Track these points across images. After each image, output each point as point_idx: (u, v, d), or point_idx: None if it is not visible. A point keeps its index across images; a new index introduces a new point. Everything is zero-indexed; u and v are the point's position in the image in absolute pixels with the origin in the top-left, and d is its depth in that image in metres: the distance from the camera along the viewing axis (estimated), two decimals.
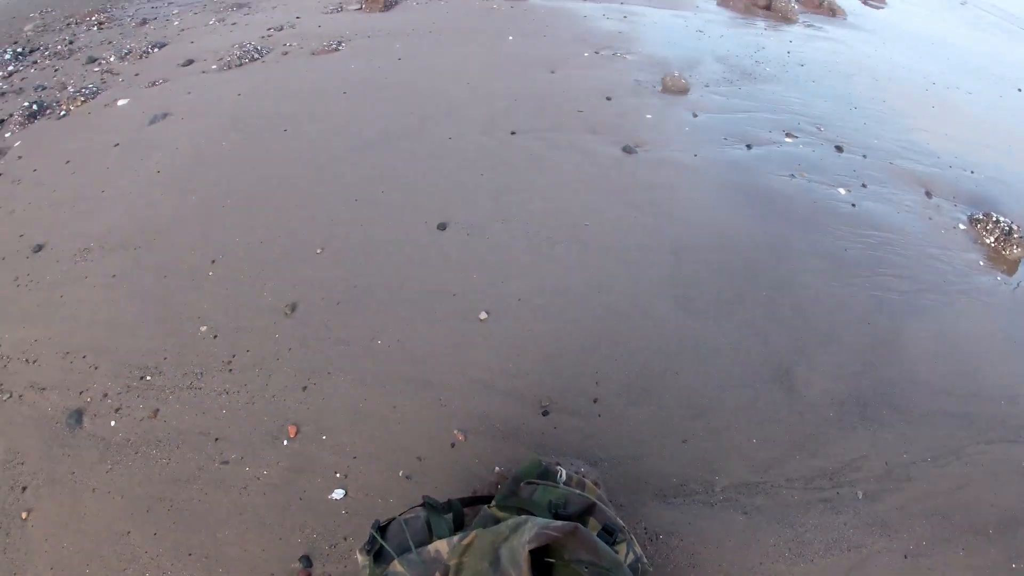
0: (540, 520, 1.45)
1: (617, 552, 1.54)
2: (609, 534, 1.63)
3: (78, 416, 2.70)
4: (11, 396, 2.82)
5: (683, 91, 4.79)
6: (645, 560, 1.73)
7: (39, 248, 3.55)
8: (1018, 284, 3.60)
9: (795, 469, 2.57)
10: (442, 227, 3.42)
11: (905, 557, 2.41)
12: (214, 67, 5.57)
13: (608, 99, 4.64)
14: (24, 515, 2.42)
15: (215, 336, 2.95)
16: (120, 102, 5.05)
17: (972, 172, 4.46)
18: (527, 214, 3.53)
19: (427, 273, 3.21)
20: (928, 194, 4.14)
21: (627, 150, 4.02)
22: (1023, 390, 3.04)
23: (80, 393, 2.78)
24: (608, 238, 3.41)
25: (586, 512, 1.70)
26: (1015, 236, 3.81)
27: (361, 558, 1.72)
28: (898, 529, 2.47)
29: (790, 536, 2.39)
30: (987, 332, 3.27)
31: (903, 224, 3.81)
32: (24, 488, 2.50)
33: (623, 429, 2.60)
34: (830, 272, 3.35)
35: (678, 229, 3.49)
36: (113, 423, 2.66)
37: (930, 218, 3.94)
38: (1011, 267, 3.72)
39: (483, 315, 2.99)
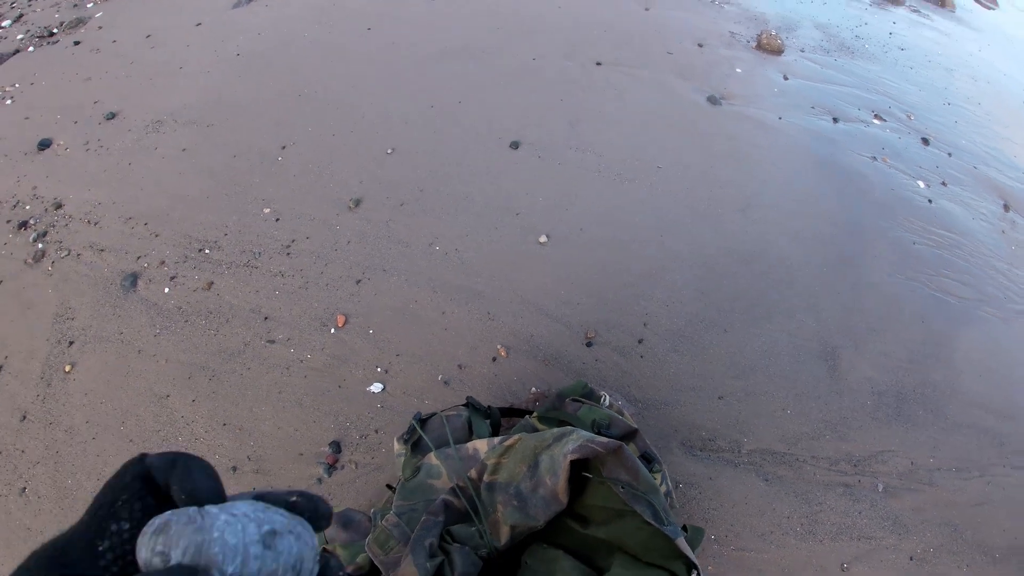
0: (586, 433, 1.44)
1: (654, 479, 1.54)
2: (647, 461, 1.63)
3: (133, 280, 2.77)
4: (69, 254, 2.89)
5: (777, 51, 4.63)
6: (674, 496, 1.74)
7: (112, 116, 3.58)
8: None
9: (823, 448, 2.57)
10: (514, 146, 3.38)
11: (911, 559, 2.42)
12: None
13: (700, 46, 4.49)
14: (68, 368, 2.52)
15: (277, 219, 2.98)
16: None
17: None
18: (602, 146, 3.47)
19: (493, 189, 3.18)
20: (1006, 207, 4.01)
21: (712, 100, 3.90)
22: None
23: (138, 258, 2.85)
24: (679, 183, 3.35)
25: (627, 436, 1.70)
26: None
27: (398, 446, 1.74)
28: (910, 530, 2.48)
29: (805, 512, 2.41)
30: None
31: (975, 231, 3.70)
32: (71, 343, 2.59)
33: (663, 374, 2.60)
34: (895, 262, 3.27)
35: (751, 187, 3.42)
36: (167, 290, 2.73)
37: (1003, 231, 3.82)
38: None
39: (543, 238, 2.97)
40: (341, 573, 0.49)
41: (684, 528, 1.52)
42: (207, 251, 2.86)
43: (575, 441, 1.39)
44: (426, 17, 4.42)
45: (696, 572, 1.30)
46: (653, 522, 1.30)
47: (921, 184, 3.84)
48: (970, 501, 2.63)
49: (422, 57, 3.99)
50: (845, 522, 2.43)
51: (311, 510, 0.51)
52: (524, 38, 4.23)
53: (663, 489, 1.63)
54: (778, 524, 2.36)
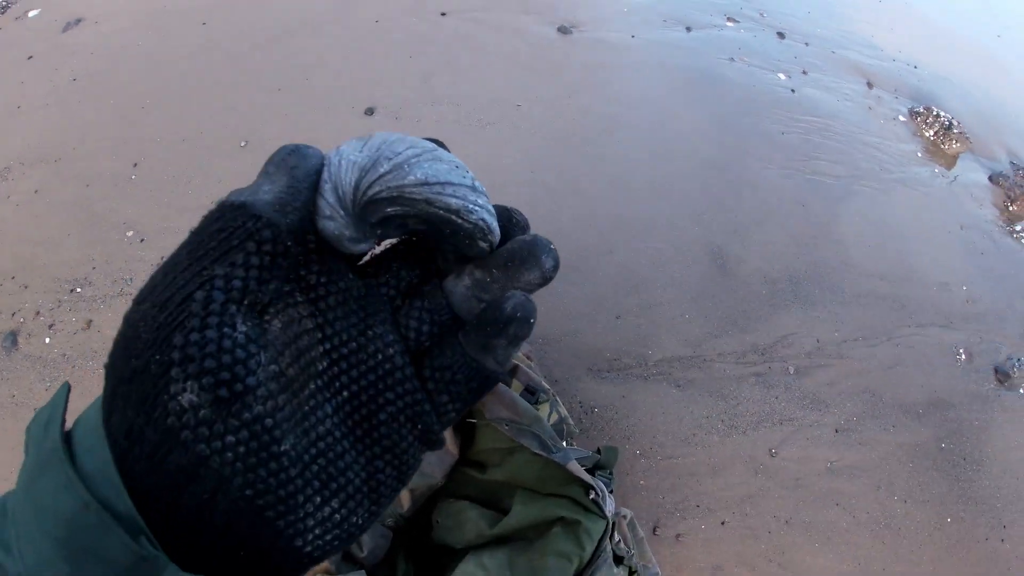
0: None
1: (539, 411, 1.51)
2: (531, 393, 1.60)
3: (12, 338, 2.58)
4: None
5: None
6: (571, 422, 1.70)
7: None
8: (955, 178, 3.62)
9: (727, 344, 2.59)
10: (370, 112, 3.26)
11: (836, 431, 2.47)
12: None
13: None
14: None
15: (142, 240, 2.82)
16: (31, 13, 4.66)
17: (915, 67, 4.43)
18: (458, 96, 3.38)
19: None
20: (869, 85, 4.11)
21: (562, 31, 3.85)
22: (955, 278, 3.10)
23: (12, 315, 2.65)
24: (541, 119, 3.30)
25: (509, 374, 1.65)
26: (954, 131, 3.81)
27: None
28: (829, 404, 2.53)
29: (723, 408, 2.43)
30: (922, 222, 3.31)
31: (842, 112, 3.78)
32: None
33: (558, 307, 2.57)
34: (766, 155, 3.31)
35: (614, 109, 3.39)
36: (48, 340, 2.56)
37: (870, 108, 3.91)
38: (949, 161, 3.73)
39: None
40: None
41: (598, 451, 1.52)
42: (79, 290, 2.69)
43: None
44: None
45: (593, 491, 1.28)
46: (541, 452, 1.29)
47: (782, 76, 3.89)
48: (882, 365, 2.70)
49: (261, 40, 3.81)
50: (763, 410, 2.46)
51: (504, 215, 0.43)
52: (364, 1, 4.09)
53: (553, 417, 1.62)
54: (699, 426, 2.38)
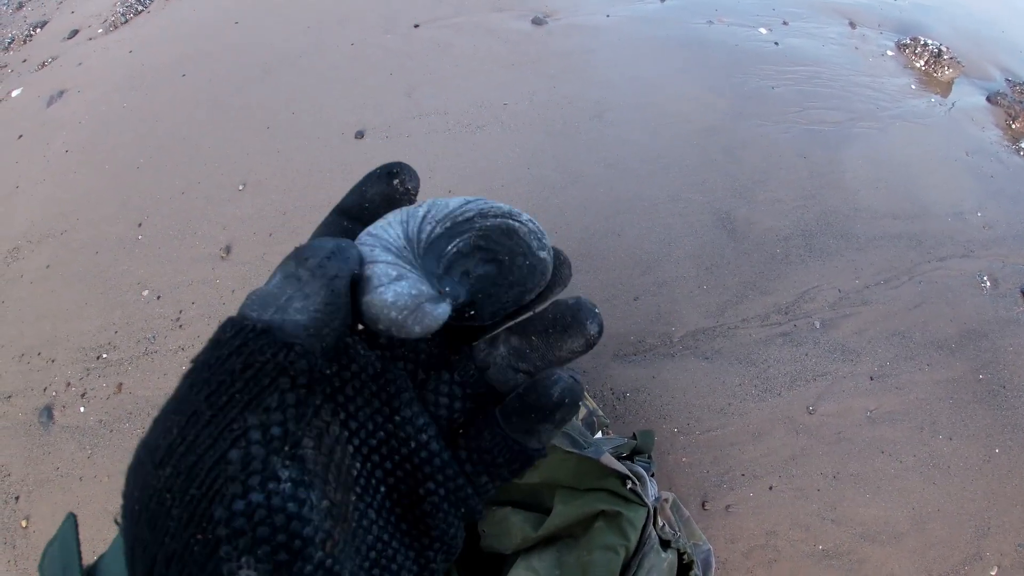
0: None
1: None
2: None
3: (48, 413, 2.62)
4: None
5: None
6: (600, 413, 1.70)
7: None
8: (952, 105, 3.57)
9: (749, 308, 2.57)
10: (360, 135, 3.27)
11: (871, 379, 2.44)
12: (100, 31, 5.19)
13: None
14: (23, 523, 2.39)
15: (158, 297, 2.85)
16: (14, 93, 4.72)
17: None
18: (443, 106, 3.39)
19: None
20: (852, 24, 4.07)
21: (536, 22, 3.84)
22: (968, 206, 3.06)
23: (44, 390, 2.69)
24: (529, 113, 3.30)
25: None
26: (945, 57, 3.75)
27: None
28: (860, 353, 2.51)
29: (754, 374, 2.41)
30: (926, 153, 3.27)
31: (829, 57, 3.74)
32: (17, 498, 2.46)
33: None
34: (760, 112, 3.28)
35: (599, 92, 3.38)
36: (82, 409, 2.59)
37: (856, 48, 3.88)
38: (944, 88, 3.69)
39: None
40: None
41: (634, 436, 1.51)
42: (105, 356, 2.72)
43: None
44: (235, 42, 4.25)
45: (630, 481, 1.28)
46: (573, 450, 1.29)
47: (763, 31, 3.86)
48: (908, 305, 2.67)
49: (242, 82, 3.83)
50: (795, 369, 2.44)
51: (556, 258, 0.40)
52: (337, 28, 4.10)
53: (582, 413, 1.62)
54: (733, 394, 2.36)
